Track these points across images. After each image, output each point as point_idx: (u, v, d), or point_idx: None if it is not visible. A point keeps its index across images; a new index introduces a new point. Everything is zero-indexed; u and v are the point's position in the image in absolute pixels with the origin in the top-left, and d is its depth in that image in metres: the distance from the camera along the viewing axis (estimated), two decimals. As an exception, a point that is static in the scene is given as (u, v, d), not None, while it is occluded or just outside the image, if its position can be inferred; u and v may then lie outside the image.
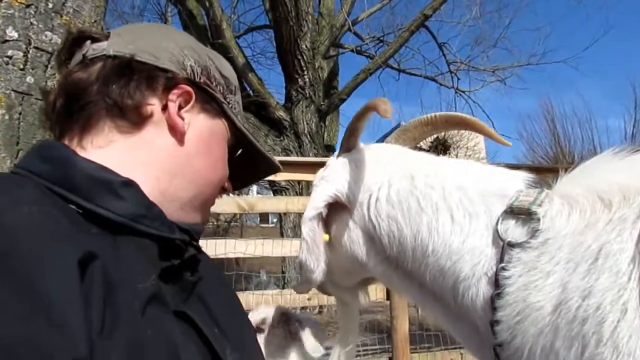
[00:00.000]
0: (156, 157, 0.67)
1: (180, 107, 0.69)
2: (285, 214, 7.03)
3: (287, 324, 1.27)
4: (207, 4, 7.56)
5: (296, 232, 5.25)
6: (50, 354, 0.38)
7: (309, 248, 0.80)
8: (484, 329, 0.64)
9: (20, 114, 0.88)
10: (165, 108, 0.67)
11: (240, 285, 4.31)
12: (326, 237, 0.82)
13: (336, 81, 8.65)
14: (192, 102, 0.70)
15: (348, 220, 0.81)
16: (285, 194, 6.70)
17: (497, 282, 0.61)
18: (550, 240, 0.59)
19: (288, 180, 6.69)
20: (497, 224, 0.64)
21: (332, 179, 0.82)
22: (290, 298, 3.44)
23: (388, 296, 3.31)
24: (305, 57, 7.40)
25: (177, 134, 0.68)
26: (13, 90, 0.86)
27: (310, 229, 0.80)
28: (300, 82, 7.46)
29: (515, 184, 0.68)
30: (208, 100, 0.73)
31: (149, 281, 0.53)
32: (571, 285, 0.55)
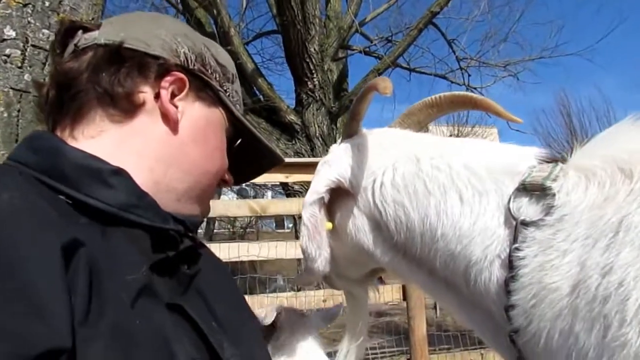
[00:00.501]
0: (149, 146, 0.65)
1: (173, 95, 0.67)
2: (300, 217, 6.99)
3: (289, 322, 1.25)
4: (215, 11, 7.60)
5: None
6: (28, 342, 0.36)
7: (310, 234, 0.77)
8: (498, 314, 0.61)
9: (18, 111, 0.87)
10: (157, 96, 0.66)
11: (256, 291, 4.29)
12: (329, 225, 0.79)
13: (346, 83, 8.63)
14: (186, 90, 0.68)
15: (352, 206, 0.78)
16: (299, 197, 6.68)
17: (510, 264, 0.57)
18: (566, 217, 0.55)
19: (301, 184, 6.68)
20: (509, 202, 0.60)
21: (334, 163, 0.79)
22: (305, 300, 3.41)
23: (404, 297, 3.26)
24: (314, 60, 7.39)
25: (171, 122, 0.66)
26: (11, 88, 0.86)
27: (312, 214, 0.77)
28: (310, 85, 7.45)
29: (527, 160, 0.64)
30: (203, 88, 0.71)
31: (139, 272, 0.52)
32: (590, 262, 0.51)
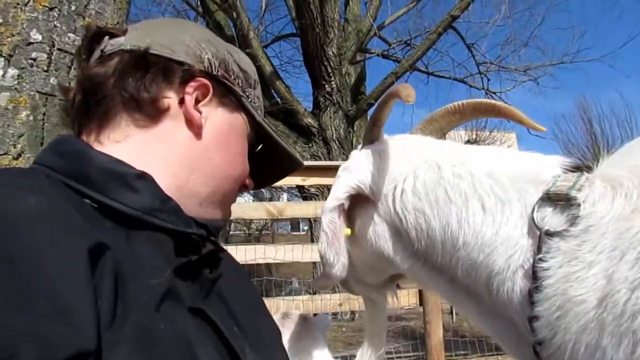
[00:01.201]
0: (173, 151, 0.65)
1: (197, 101, 0.68)
2: (315, 220, 7.01)
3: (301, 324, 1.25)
4: (235, 14, 7.67)
5: (326, 238, 5.25)
6: (54, 345, 0.36)
7: (329, 241, 0.76)
8: (522, 325, 0.60)
9: (44, 114, 0.88)
10: (182, 101, 0.66)
11: (272, 293, 4.30)
12: (348, 231, 0.79)
13: (363, 86, 8.62)
14: (209, 96, 0.69)
15: (373, 213, 0.77)
16: (315, 200, 6.68)
17: (534, 275, 0.56)
18: (592, 227, 0.54)
19: (317, 187, 6.68)
20: (532, 211, 0.59)
21: (354, 169, 0.79)
22: (321, 304, 3.41)
23: (421, 302, 3.24)
24: (332, 63, 7.40)
25: (195, 127, 0.67)
26: (37, 91, 0.87)
27: (331, 220, 0.76)
28: (328, 88, 7.46)
29: (551, 169, 0.63)
30: (226, 93, 0.72)
31: (163, 276, 0.52)
32: (617, 275, 0.50)
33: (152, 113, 0.64)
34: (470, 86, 10.22)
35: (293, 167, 0.87)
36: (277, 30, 11.41)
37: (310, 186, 6.74)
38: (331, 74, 7.42)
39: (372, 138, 0.82)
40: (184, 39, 0.69)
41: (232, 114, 0.72)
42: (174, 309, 0.51)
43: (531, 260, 0.58)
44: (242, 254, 3.03)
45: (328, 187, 6.59)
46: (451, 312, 6.94)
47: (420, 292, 3.26)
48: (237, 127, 0.73)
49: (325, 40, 7.22)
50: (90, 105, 0.65)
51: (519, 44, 10.57)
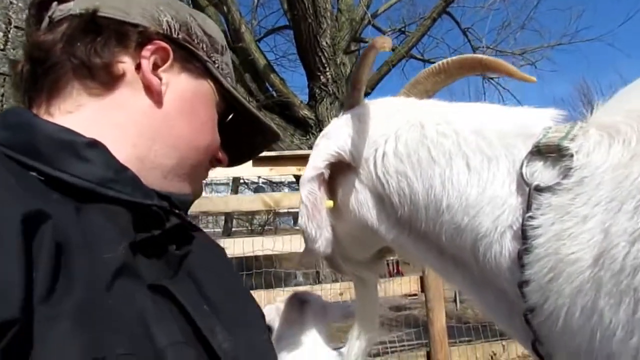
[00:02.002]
0: (131, 120, 0.61)
1: (156, 66, 0.64)
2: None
3: (293, 308, 1.20)
4: (225, 9, 7.60)
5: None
6: None
7: (309, 213, 0.71)
8: (512, 292, 0.55)
9: (2, 95, 0.84)
10: (139, 67, 0.62)
11: (273, 286, 4.26)
12: (330, 203, 0.74)
13: (359, 76, 8.54)
14: (170, 61, 0.64)
15: (354, 180, 0.72)
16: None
17: (524, 234, 0.51)
18: (587, 179, 0.49)
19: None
20: (521, 167, 0.54)
21: (333, 135, 0.74)
22: (322, 293, 3.37)
23: (423, 288, 3.19)
24: (326, 53, 7.33)
25: (154, 94, 0.63)
26: (-6, 74, 0.82)
27: (310, 191, 0.71)
28: (323, 79, 7.40)
29: (542, 122, 0.58)
30: (190, 59, 0.67)
31: (117, 250, 0.47)
32: (615, 228, 0.45)
33: (106, 80, 0.60)
34: (467, 72, 10.13)
35: (269, 138, 0.82)
36: (270, 24, 11.32)
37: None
38: (326, 65, 7.35)
39: (352, 102, 0.77)
40: (140, 1, 0.64)
41: (196, 80, 0.68)
42: (131, 286, 0.47)
43: (520, 220, 0.52)
44: (240, 246, 2.99)
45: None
46: (455, 300, 6.92)
47: (421, 278, 3.22)
48: (203, 95, 0.69)
49: (319, 30, 7.15)
50: (39, 75, 0.60)
51: (516, 27, 10.48)
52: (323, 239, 0.72)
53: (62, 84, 0.60)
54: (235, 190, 14.20)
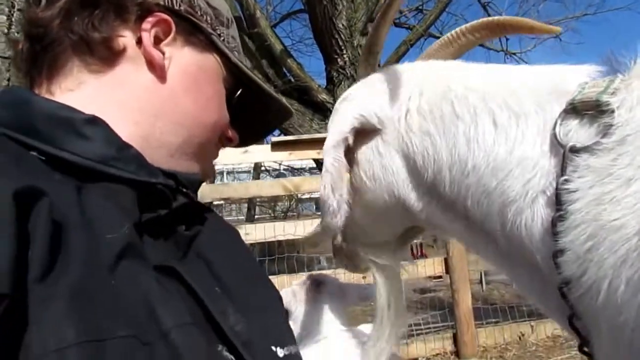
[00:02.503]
0: (133, 97, 0.59)
1: (159, 40, 0.61)
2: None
3: (309, 290, 1.17)
4: (240, -5, 7.54)
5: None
6: None
7: (334, 182, 0.65)
8: (545, 265, 0.49)
9: (8, 80, 0.83)
10: (140, 41, 0.60)
11: (296, 271, 4.26)
12: (349, 175, 0.69)
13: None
14: (172, 34, 0.62)
15: (378, 145, 0.66)
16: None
17: (558, 200, 0.46)
18: (630, 137, 0.43)
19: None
20: (554, 126, 0.48)
21: (355, 98, 0.68)
22: (344, 277, 3.36)
23: (447, 270, 3.15)
24: (342, 35, 7.23)
25: (156, 69, 0.60)
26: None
27: (335, 157, 0.65)
28: (340, 62, 7.31)
29: (579, 77, 0.52)
30: (193, 31, 0.65)
31: (120, 231, 0.45)
32: None
33: (106, 55, 0.58)
34: (489, 49, 9.89)
35: (281, 115, 0.80)
36: (285, 10, 11.22)
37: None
38: (342, 47, 7.25)
39: (370, 68, 0.72)
40: None
41: (201, 54, 0.65)
42: (135, 267, 0.45)
43: (554, 184, 0.47)
44: (262, 231, 2.99)
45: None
46: (480, 282, 6.84)
47: (446, 260, 3.18)
48: (209, 69, 0.66)
49: (334, 12, 7.04)
50: (38, 53, 0.58)
51: None
52: (343, 211, 0.67)
53: (62, 62, 0.58)
54: (257, 178, 14.28)
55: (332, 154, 0.66)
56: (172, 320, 0.44)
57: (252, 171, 15.92)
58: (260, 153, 3.42)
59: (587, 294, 0.45)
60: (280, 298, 0.65)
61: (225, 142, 0.73)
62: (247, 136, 0.79)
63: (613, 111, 0.45)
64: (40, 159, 0.48)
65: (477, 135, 0.54)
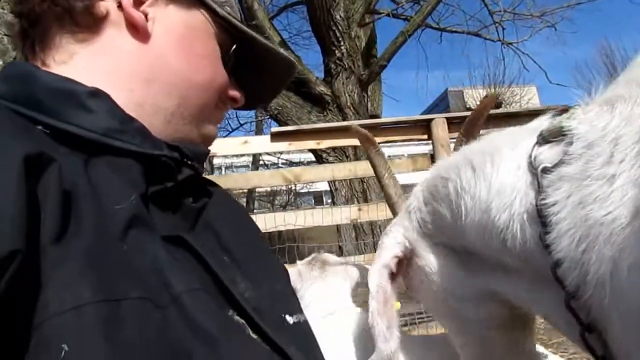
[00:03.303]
0: (122, 63, 0.58)
1: (139, 1, 0.60)
2: (336, 190, 6.95)
3: (314, 268, 1.19)
4: (237, -13, 7.50)
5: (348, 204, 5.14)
6: None
7: (380, 309, 0.70)
8: (553, 283, 0.50)
9: (14, 58, 0.83)
10: (121, 4, 0.58)
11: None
12: (398, 304, 0.74)
13: (375, 49, 8.40)
14: None
15: (417, 261, 0.73)
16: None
17: (539, 214, 0.49)
18: (597, 140, 0.47)
19: (335, 156, 6.60)
20: (529, 156, 0.52)
21: (390, 232, 0.78)
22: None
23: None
24: (340, 27, 7.22)
25: (140, 31, 0.59)
26: (5, 34, 0.81)
27: (379, 284, 0.71)
28: (338, 54, 7.30)
29: (549, 117, 0.57)
30: None
31: (128, 201, 0.46)
32: None
33: (90, 22, 0.57)
34: (486, 39, 9.87)
35: (284, 69, 0.77)
36: (283, 2, 11.13)
37: (328, 155, 6.67)
38: (340, 39, 7.24)
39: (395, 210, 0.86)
40: None
41: (187, 11, 0.63)
42: (143, 237, 0.46)
43: (533, 202, 0.50)
44: (262, 222, 3.00)
45: (344, 150, 6.50)
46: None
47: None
48: (197, 26, 0.64)
49: (332, 4, 7.03)
50: (27, 29, 0.59)
51: (534, -11, 10.10)
52: (395, 338, 0.69)
53: (50, 35, 0.57)
54: (255, 167, 14.27)
55: (375, 280, 0.71)
56: (182, 285, 0.44)
57: (250, 165, 15.90)
58: (259, 144, 3.42)
59: (594, 296, 0.46)
60: (285, 269, 0.67)
61: (229, 102, 0.71)
62: (255, 97, 0.77)
63: (573, 128, 0.50)
64: (45, 132, 0.48)
65: (462, 184, 0.60)
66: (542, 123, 0.56)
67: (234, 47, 0.68)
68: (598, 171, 0.46)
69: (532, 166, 0.51)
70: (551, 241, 0.48)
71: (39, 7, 0.57)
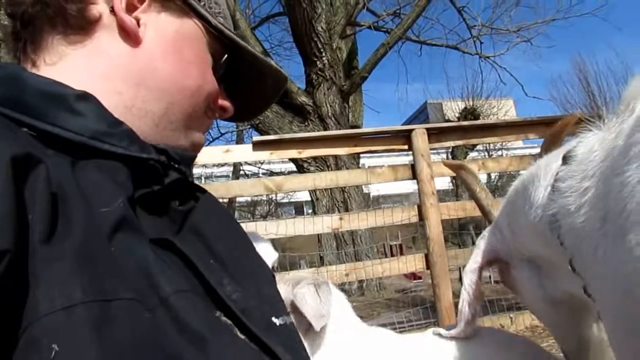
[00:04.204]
0: (113, 66, 0.58)
1: (133, 7, 0.60)
2: (317, 199, 6.97)
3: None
4: (219, -3, 7.52)
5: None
6: None
7: (470, 301, 0.89)
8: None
9: None
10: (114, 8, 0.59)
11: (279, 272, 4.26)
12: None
13: (356, 61, 8.50)
14: (147, 0, 0.61)
15: (512, 269, 0.89)
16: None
17: (552, 190, 0.64)
18: (584, 161, 0.60)
19: (317, 166, 6.62)
20: (552, 176, 0.66)
21: (484, 237, 0.94)
22: (327, 275, 3.38)
23: (428, 266, 3.20)
24: (321, 38, 7.28)
25: (130, 35, 0.59)
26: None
27: (471, 281, 0.90)
28: (319, 65, 7.35)
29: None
30: None
31: (115, 204, 0.46)
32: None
33: (83, 25, 0.57)
34: (464, 52, 10.08)
35: (275, 82, 0.77)
36: (264, 13, 11.17)
37: (310, 165, 6.68)
38: (322, 50, 7.30)
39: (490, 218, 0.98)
40: None
41: (179, 19, 0.63)
42: (130, 240, 0.45)
43: (550, 187, 0.65)
44: (244, 232, 2.98)
45: (325, 160, 6.51)
46: (460, 279, 6.94)
47: (426, 256, 3.22)
48: (188, 34, 0.64)
49: (313, 15, 7.09)
50: (19, 31, 0.58)
51: (510, 4, 10.38)
52: (474, 324, 0.91)
53: (43, 36, 0.57)
54: (236, 177, 14.18)
55: (469, 277, 0.90)
56: (171, 287, 0.44)
57: (230, 175, 15.81)
58: (241, 152, 3.41)
59: (601, 286, 0.58)
60: (272, 272, 0.67)
61: (218, 111, 0.71)
62: (246, 109, 0.78)
63: (576, 152, 0.63)
64: (31, 135, 0.47)
65: (529, 197, 0.74)
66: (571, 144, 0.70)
67: (225, 56, 0.69)
68: (583, 182, 0.58)
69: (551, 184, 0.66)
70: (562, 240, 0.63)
71: (32, 9, 0.57)
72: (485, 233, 0.92)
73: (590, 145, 0.60)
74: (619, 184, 0.49)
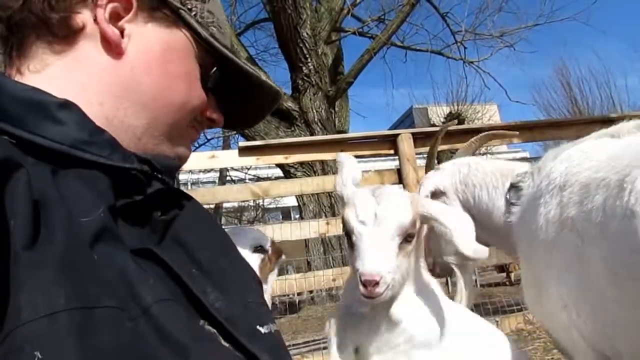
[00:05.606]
0: (95, 77, 0.57)
1: (118, 17, 0.58)
2: (304, 204, 6.96)
3: None
4: (204, 3, 7.50)
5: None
6: None
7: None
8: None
9: None
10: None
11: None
12: None
13: (342, 66, 8.54)
14: (134, 9, 0.59)
15: (444, 200, 1.61)
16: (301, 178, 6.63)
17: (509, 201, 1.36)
18: (529, 191, 1.26)
19: (304, 171, 6.63)
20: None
21: (429, 177, 1.71)
22: (314, 280, 3.37)
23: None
24: (307, 44, 7.31)
25: (113, 46, 0.57)
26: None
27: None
28: (305, 70, 7.38)
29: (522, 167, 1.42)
30: (159, 6, 0.61)
31: (95, 214, 0.45)
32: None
33: (66, 34, 0.56)
34: (448, 57, 10.19)
35: (268, 96, 0.76)
36: (250, 20, 11.15)
37: (296, 170, 6.68)
38: (307, 56, 7.33)
39: (431, 167, 1.66)
40: None
41: (167, 30, 0.61)
42: (111, 249, 0.45)
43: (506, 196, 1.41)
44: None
45: (312, 165, 6.52)
46: (447, 283, 6.96)
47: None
48: (176, 46, 0.62)
49: (299, 21, 7.12)
50: (7, 36, 0.58)
51: (493, 10, 10.53)
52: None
53: (28, 43, 0.57)
54: (222, 182, 14.10)
55: (423, 195, 1.47)
56: (152, 297, 0.44)
57: (217, 181, 15.71)
58: (227, 158, 3.40)
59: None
60: (258, 278, 0.66)
61: (207, 123, 0.70)
62: (238, 120, 0.77)
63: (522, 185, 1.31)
64: (11, 142, 0.46)
65: (481, 193, 1.48)
66: (517, 169, 1.37)
67: (215, 69, 0.68)
68: (531, 203, 1.29)
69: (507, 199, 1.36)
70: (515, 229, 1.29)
71: (18, 15, 0.56)
72: (428, 178, 1.49)
73: (528, 184, 1.26)
74: (535, 206, 1.11)
